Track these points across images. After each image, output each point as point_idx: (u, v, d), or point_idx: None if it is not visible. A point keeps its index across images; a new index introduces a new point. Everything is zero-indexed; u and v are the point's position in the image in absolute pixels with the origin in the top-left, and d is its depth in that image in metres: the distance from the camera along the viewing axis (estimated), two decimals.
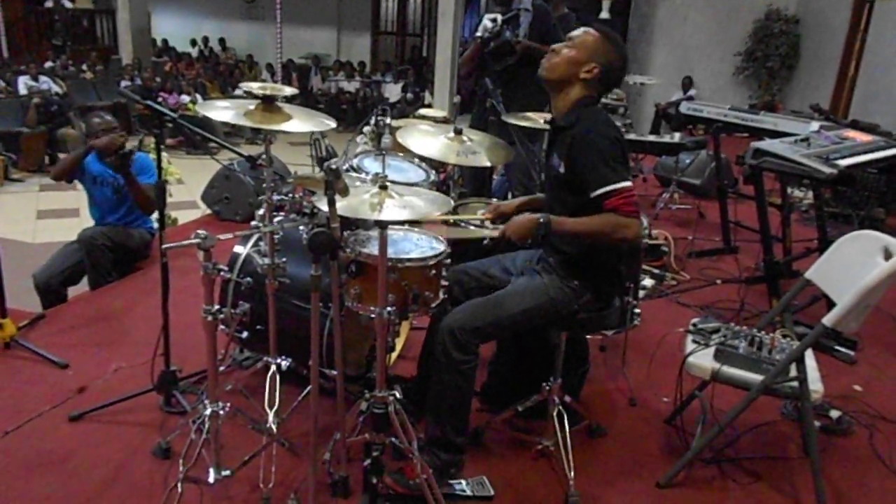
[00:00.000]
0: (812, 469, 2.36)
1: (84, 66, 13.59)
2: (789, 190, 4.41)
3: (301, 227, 2.60)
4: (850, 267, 2.36)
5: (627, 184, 2.11)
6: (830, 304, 2.36)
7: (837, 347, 3.45)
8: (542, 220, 2.18)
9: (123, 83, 11.98)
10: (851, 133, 3.84)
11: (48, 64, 12.91)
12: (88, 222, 4.23)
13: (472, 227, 2.61)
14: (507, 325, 2.25)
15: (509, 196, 4.50)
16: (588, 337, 2.86)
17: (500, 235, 2.27)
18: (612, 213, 2.09)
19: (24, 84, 10.63)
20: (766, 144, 3.40)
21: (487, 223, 2.59)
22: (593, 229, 2.14)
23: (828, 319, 2.24)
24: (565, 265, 2.30)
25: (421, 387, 2.61)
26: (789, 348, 2.39)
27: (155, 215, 5.12)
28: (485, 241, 2.68)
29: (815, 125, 4.00)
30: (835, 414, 2.87)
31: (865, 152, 3.51)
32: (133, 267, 4.22)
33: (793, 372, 2.31)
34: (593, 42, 2.21)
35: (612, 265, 2.33)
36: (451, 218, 2.48)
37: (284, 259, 2.45)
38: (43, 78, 10.89)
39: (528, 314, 2.24)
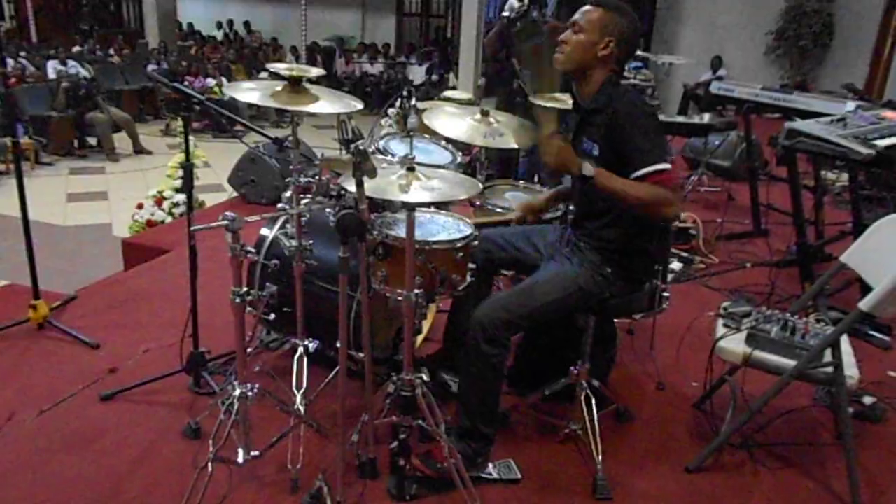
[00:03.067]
0: (845, 456, 2.32)
1: (111, 51, 13.74)
2: (822, 172, 4.31)
3: (328, 210, 2.60)
4: (888, 251, 2.31)
5: (667, 165, 2.05)
6: (864, 289, 2.31)
7: (872, 332, 3.38)
8: (588, 164, 2.07)
9: (150, 67, 12.07)
10: (889, 113, 3.73)
11: (76, 48, 13.05)
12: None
13: (498, 210, 2.60)
14: (538, 316, 2.21)
15: (535, 178, 4.46)
16: (616, 321, 2.84)
17: (540, 156, 2.17)
18: (658, 186, 2.01)
19: (52, 68, 10.74)
20: (801, 125, 3.32)
21: (513, 206, 2.57)
22: (637, 195, 2.03)
23: (864, 304, 2.19)
24: (599, 251, 2.24)
25: (444, 361, 2.63)
26: (823, 333, 2.34)
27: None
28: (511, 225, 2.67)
29: (851, 105, 3.90)
30: (868, 400, 2.81)
31: None
32: None
33: (827, 357, 2.27)
34: (599, 18, 2.14)
35: (644, 249, 2.28)
36: (482, 220, 2.46)
37: (311, 241, 2.45)
38: (71, 62, 11.00)
39: (558, 304, 2.20)
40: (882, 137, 3.18)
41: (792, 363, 2.29)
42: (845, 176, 4.72)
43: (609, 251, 2.24)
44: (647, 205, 2.04)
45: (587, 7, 2.18)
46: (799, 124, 3.32)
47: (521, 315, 2.18)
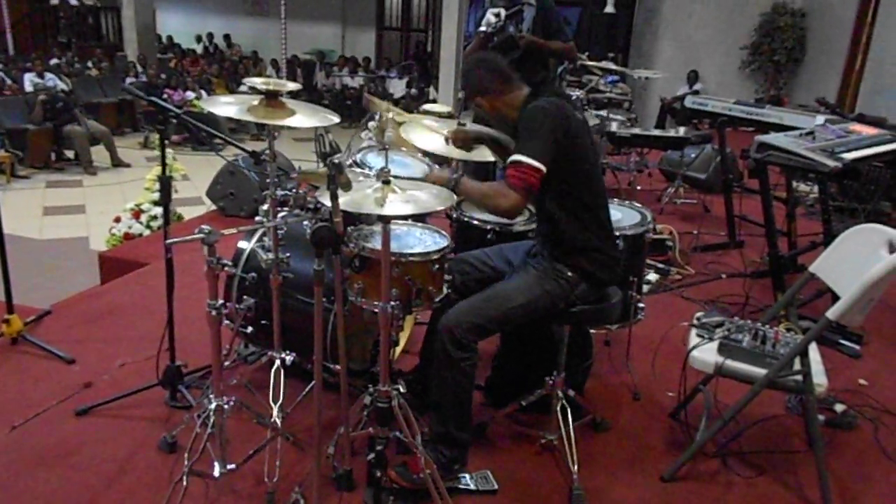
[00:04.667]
0: (816, 463, 2.37)
1: (89, 63, 13.61)
2: (794, 184, 4.39)
3: (305, 223, 2.61)
4: (854, 260, 2.36)
5: (528, 160, 2.13)
6: (835, 298, 2.36)
7: (842, 341, 3.44)
8: (453, 178, 2.29)
9: (128, 80, 12.00)
10: (857, 127, 3.82)
11: (54, 61, 12.93)
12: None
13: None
14: (504, 320, 2.26)
15: None
16: (592, 331, 2.87)
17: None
18: (502, 181, 2.19)
19: (29, 81, 10.64)
20: (771, 138, 3.39)
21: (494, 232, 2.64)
22: (479, 193, 2.28)
23: (832, 313, 2.24)
24: (557, 258, 2.30)
25: (422, 379, 2.62)
26: (793, 342, 2.38)
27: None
28: (488, 236, 2.69)
29: (820, 119, 3.99)
30: (839, 408, 2.86)
31: (871, 146, 3.49)
32: None
33: (797, 366, 2.31)
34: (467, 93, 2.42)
35: (600, 249, 2.31)
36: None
37: (288, 254, 2.45)
38: (49, 75, 10.91)
39: (524, 308, 2.25)
40: (849, 150, 3.26)
41: (763, 372, 2.33)
42: (817, 188, 4.81)
43: (563, 253, 2.30)
44: (486, 199, 2.25)
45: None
46: (769, 138, 3.39)
47: (489, 318, 2.21)
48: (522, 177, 2.13)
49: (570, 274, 2.28)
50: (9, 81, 11.06)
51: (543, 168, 2.13)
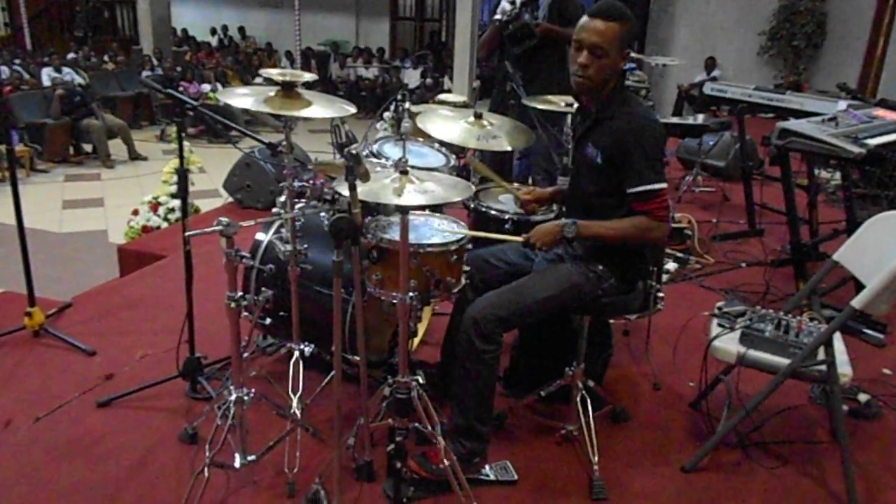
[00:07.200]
0: (841, 453, 2.34)
1: (106, 57, 13.70)
2: (816, 171, 4.32)
3: (322, 214, 2.60)
4: (879, 248, 2.32)
5: (663, 185, 2.12)
6: (859, 287, 2.32)
7: (866, 330, 3.39)
8: (568, 226, 2.17)
9: (144, 73, 12.06)
10: (880, 112, 3.75)
11: (70, 55, 13.03)
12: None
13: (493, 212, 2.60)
14: (530, 312, 2.23)
15: (529, 181, 4.47)
16: (611, 321, 2.84)
17: (524, 242, 2.23)
18: (643, 216, 2.12)
19: (47, 76, 10.73)
20: (793, 124, 3.34)
21: (507, 208, 2.58)
22: (622, 233, 2.17)
23: (857, 302, 2.20)
24: (590, 252, 2.28)
25: (444, 371, 2.61)
26: (817, 331, 2.35)
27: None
28: (507, 226, 2.67)
29: (842, 104, 3.92)
30: (863, 397, 2.82)
31: (895, 131, 3.43)
32: None
33: (820, 355, 2.28)
34: (619, 36, 2.10)
35: (636, 251, 2.31)
36: (480, 235, 2.45)
37: (306, 245, 2.45)
38: (66, 69, 10.99)
39: (551, 301, 2.22)
40: (873, 136, 3.20)
41: (786, 362, 2.30)
42: (839, 174, 4.74)
43: (600, 252, 2.27)
44: (632, 237, 2.17)
45: (601, 24, 2.09)
46: (790, 124, 3.34)
47: (515, 312, 2.19)
48: (662, 205, 2.14)
49: (600, 267, 2.26)
50: (27, 76, 11.15)
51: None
